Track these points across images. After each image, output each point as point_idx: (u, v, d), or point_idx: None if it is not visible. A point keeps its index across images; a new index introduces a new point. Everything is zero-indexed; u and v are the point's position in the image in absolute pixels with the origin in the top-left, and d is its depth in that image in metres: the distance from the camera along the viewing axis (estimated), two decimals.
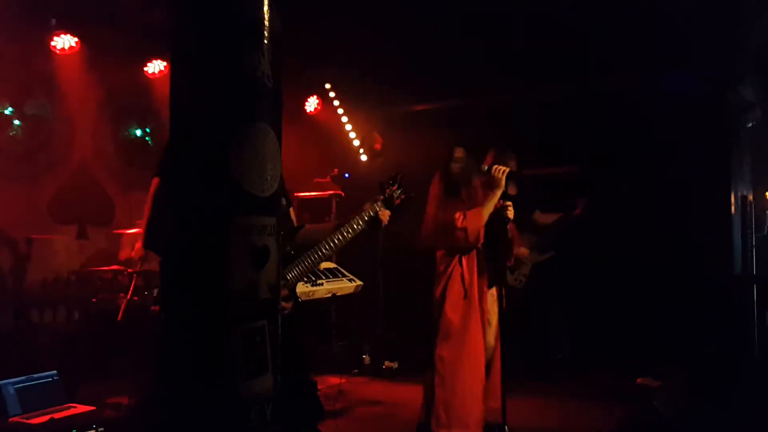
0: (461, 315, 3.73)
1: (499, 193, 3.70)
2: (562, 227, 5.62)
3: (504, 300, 3.71)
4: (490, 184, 3.74)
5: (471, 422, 3.63)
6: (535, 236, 5.61)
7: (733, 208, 5.58)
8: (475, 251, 3.80)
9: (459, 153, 3.91)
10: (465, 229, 3.67)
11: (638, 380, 5.12)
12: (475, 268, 3.79)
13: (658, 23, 4.91)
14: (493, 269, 3.87)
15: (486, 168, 3.77)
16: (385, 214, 2.67)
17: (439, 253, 3.88)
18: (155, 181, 2.32)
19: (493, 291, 3.91)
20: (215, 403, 1.64)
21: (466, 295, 3.74)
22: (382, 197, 2.74)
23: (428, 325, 3.84)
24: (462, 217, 3.68)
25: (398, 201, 2.80)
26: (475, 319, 3.74)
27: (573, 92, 6.08)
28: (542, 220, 5.68)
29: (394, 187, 2.78)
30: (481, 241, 3.76)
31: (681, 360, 5.04)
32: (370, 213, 2.63)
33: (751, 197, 5.83)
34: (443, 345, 3.74)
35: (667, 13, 4.79)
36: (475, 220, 3.69)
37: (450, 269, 3.79)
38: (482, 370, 3.73)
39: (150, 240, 2.33)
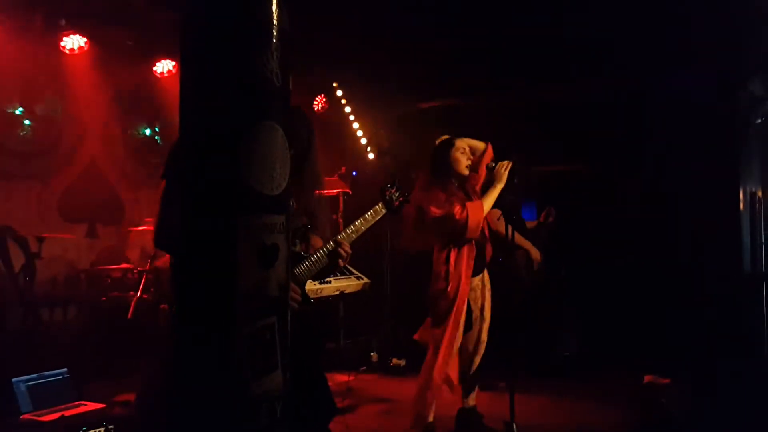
0: (439, 313, 3.70)
1: (500, 187, 3.69)
2: (541, 234, 5.65)
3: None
4: (491, 179, 3.74)
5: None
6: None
7: (741, 205, 5.54)
8: (466, 246, 3.74)
9: (462, 143, 3.85)
10: (465, 221, 3.61)
11: (646, 378, 5.11)
12: (465, 265, 3.72)
13: (666, 19, 4.89)
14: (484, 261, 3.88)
15: (492, 164, 3.76)
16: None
17: (435, 249, 3.83)
18: (162, 183, 2.36)
19: (479, 281, 3.85)
20: (225, 400, 1.65)
21: (447, 293, 3.68)
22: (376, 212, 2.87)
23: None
24: (461, 209, 3.63)
25: (397, 203, 2.92)
26: (454, 318, 3.68)
27: (578, 91, 6.07)
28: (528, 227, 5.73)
29: (393, 190, 2.90)
30: (479, 234, 3.73)
31: (689, 358, 5.02)
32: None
33: (760, 193, 5.79)
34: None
35: (676, 9, 4.77)
36: (476, 212, 3.64)
37: (439, 266, 3.75)
38: (445, 371, 3.71)
39: (161, 240, 2.37)
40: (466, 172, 3.79)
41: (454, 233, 3.68)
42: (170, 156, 2.41)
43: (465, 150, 3.81)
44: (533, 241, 5.09)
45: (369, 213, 2.81)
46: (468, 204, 3.66)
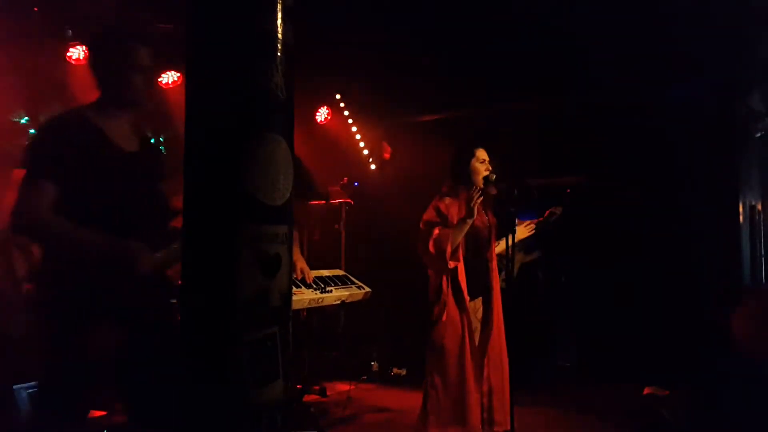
0: (445, 332, 3.59)
1: (469, 222, 3.56)
2: (540, 230, 5.71)
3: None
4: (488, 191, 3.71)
5: None
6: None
7: (741, 218, 5.56)
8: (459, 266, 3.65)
9: (482, 153, 3.83)
10: (427, 250, 3.57)
11: (646, 390, 5.11)
12: (463, 281, 3.64)
13: (665, 32, 4.93)
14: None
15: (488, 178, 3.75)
16: None
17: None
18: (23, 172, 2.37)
19: (476, 303, 3.79)
20: (226, 410, 1.66)
21: (456, 309, 3.62)
22: None
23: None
24: (435, 234, 3.56)
25: None
26: (462, 337, 3.60)
27: (578, 101, 6.10)
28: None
29: None
30: (437, 267, 3.65)
31: (689, 370, 5.02)
32: None
33: (759, 206, 5.81)
34: (429, 363, 3.66)
35: (675, 22, 4.81)
36: (443, 242, 3.54)
37: (437, 280, 3.66)
38: (462, 390, 3.60)
39: (20, 227, 2.45)
40: (482, 183, 3.78)
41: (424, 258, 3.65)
42: (38, 149, 2.41)
43: (485, 160, 3.81)
44: (530, 241, 5.15)
45: None
46: (440, 232, 3.57)
